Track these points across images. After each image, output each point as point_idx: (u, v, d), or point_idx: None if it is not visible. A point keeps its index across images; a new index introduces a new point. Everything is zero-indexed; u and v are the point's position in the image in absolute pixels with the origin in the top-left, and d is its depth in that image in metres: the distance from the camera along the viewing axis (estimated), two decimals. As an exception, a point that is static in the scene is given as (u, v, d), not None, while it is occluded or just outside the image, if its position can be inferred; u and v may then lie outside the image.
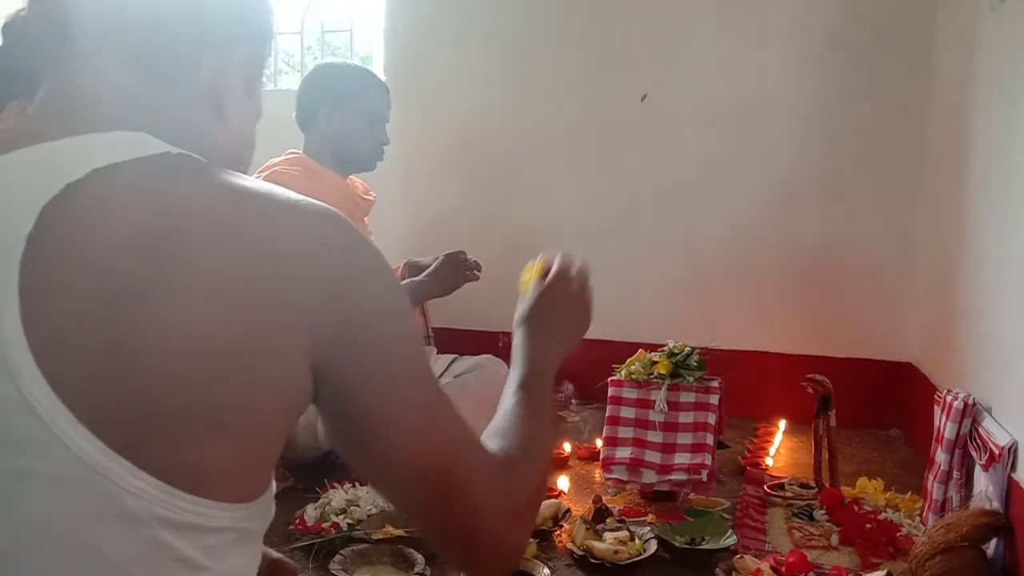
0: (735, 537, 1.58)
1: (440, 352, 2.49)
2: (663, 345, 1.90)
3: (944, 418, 1.64)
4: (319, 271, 0.61)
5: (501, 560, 0.71)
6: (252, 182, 0.63)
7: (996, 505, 1.44)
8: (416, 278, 2.23)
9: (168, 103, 0.67)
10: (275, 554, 0.90)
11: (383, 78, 2.96)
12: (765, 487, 1.90)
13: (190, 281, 0.56)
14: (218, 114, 0.70)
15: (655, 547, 1.55)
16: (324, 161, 2.21)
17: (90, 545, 0.55)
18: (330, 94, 2.20)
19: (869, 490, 1.85)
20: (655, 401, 1.81)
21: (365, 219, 2.38)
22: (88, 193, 0.58)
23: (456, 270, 2.22)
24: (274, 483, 0.67)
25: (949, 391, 1.70)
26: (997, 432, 1.49)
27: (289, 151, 2.23)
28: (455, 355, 2.45)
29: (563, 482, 1.94)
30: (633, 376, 1.86)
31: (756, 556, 1.50)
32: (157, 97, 0.67)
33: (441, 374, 2.34)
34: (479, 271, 2.25)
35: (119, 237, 0.57)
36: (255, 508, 0.62)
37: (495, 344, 2.56)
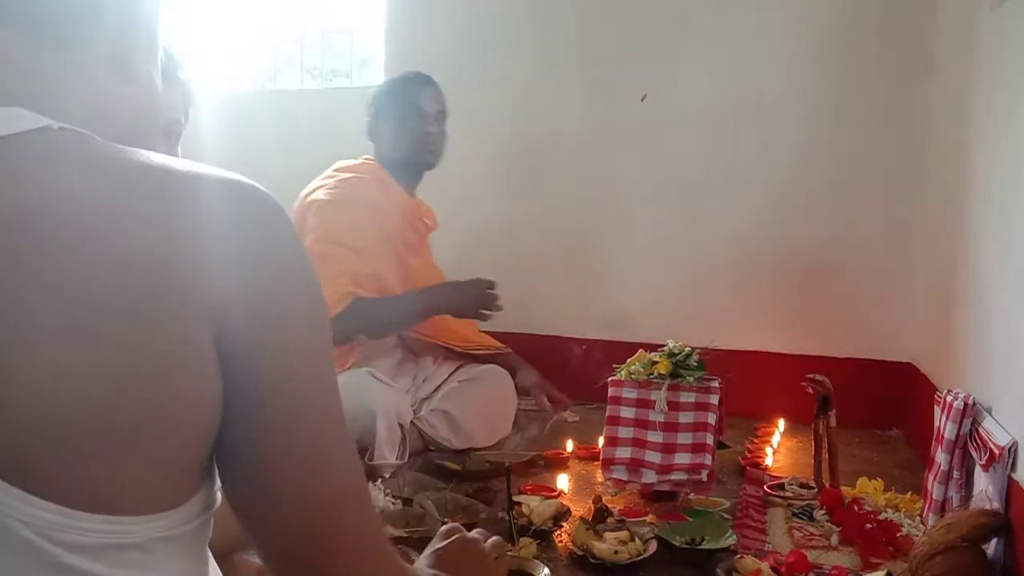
0: (735, 537, 1.58)
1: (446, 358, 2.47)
2: (663, 345, 1.89)
3: (944, 418, 1.64)
4: (219, 249, 0.55)
5: None
6: (146, 156, 0.56)
7: (996, 505, 1.44)
8: (439, 284, 2.23)
9: (62, 70, 0.59)
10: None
11: (382, 78, 2.98)
12: (765, 487, 1.89)
13: (57, 284, 0.50)
14: (123, 74, 0.62)
15: (655, 547, 1.55)
16: (392, 171, 2.28)
17: None
18: (373, 104, 2.32)
19: (869, 490, 1.85)
20: (655, 401, 1.81)
21: (426, 240, 2.43)
22: None
23: (479, 299, 2.19)
24: (216, 478, 0.60)
25: (949, 391, 1.70)
26: (997, 432, 1.49)
27: (364, 156, 2.31)
28: (459, 363, 2.44)
29: (563, 482, 1.94)
30: (633, 376, 1.85)
31: (756, 556, 1.50)
32: (51, 65, 0.58)
33: (443, 382, 2.34)
34: (491, 311, 2.19)
35: None
36: (184, 513, 0.56)
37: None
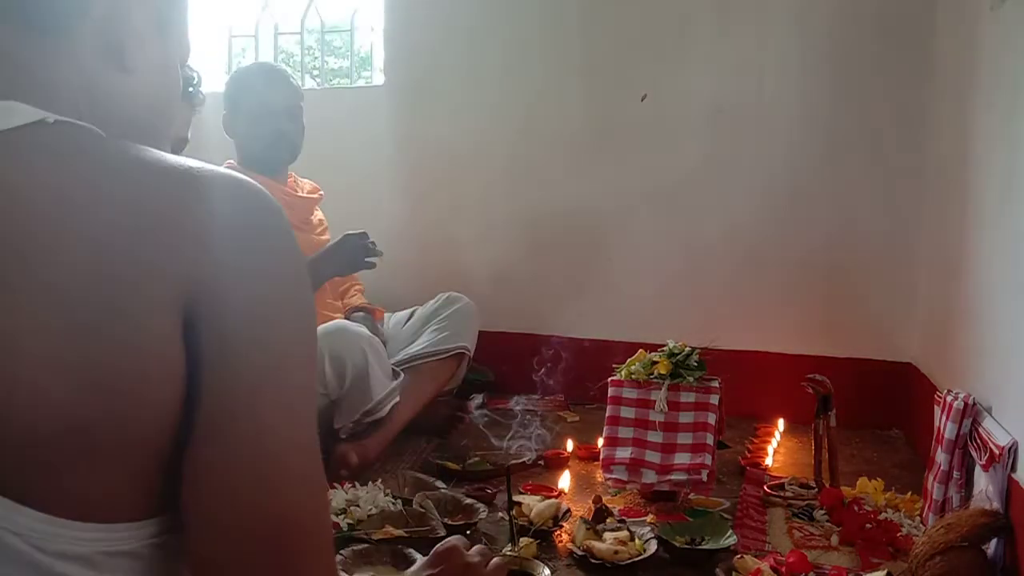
0: (735, 537, 1.58)
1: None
2: (663, 345, 1.90)
3: (944, 418, 1.64)
4: (200, 241, 0.52)
5: None
6: (139, 150, 0.55)
7: (996, 505, 1.44)
8: (313, 255, 2.17)
9: (52, 60, 0.57)
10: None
11: (382, 78, 2.98)
12: (765, 487, 1.90)
13: (36, 288, 0.49)
14: (118, 64, 0.60)
15: (655, 547, 1.55)
16: (250, 165, 2.21)
17: None
18: (225, 102, 2.26)
19: (869, 490, 1.85)
20: (655, 401, 1.81)
21: (312, 218, 2.39)
22: None
23: (356, 251, 2.15)
24: None
25: (949, 391, 1.70)
26: (997, 432, 1.49)
27: (226, 161, 2.27)
28: (413, 307, 2.50)
29: (563, 482, 1.94)
30: (633, 376, 1.86)
31: (756, 556, 1.50)
32: (40, 55, 0.56)
33: (402, 326, 2.43)
34: (379, 256, 2.17)
35: None
36: (173, 519, 0.54)
37: (496, 343, 2.56)
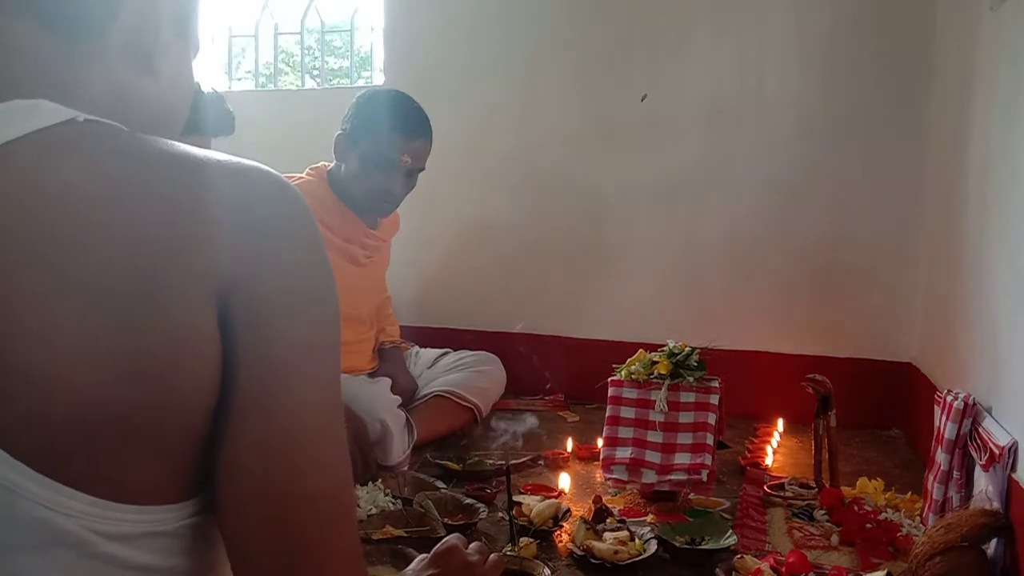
0: (735, 537, 1.58)
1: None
2: (663, 345, 1.90)
3: (944, 418, 1.64)
4: (229, 231, 0.54)
5: None
6: (168, 145, 0.56)
7: (996, 505, 1.44)
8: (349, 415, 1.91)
9: (82, 63, 0.58)
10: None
11: (382, 78, 2.98)
12: (765, 487, 1.89)
13: (76, 280, 0.50)
14: (145, 67, 0.61)
15: (655, 547, 1.55)
16: (338, 192, 2.13)
17: None
18: (348, 121, 2.11)
19: (869, 490, 1.85)
20: (655, 401, 1.81)
21: (381, 251, 2.32)
22: None
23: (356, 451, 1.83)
24: None
25: (949, 391, 1.70)
26: (997, 432, 1.49)
27: (320, 163, 2.21)
28: (445, 349, 2.46)
29: (563, 482, 1.94)
30: (633, 376, 1.86)
31: (756, 556, 1.50)
32: (68, 57, 0.57)
33: (430, 367, 2.39)
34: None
35: None
36: (208, 498, 0.57)
37: (495, 343, 2.56)
